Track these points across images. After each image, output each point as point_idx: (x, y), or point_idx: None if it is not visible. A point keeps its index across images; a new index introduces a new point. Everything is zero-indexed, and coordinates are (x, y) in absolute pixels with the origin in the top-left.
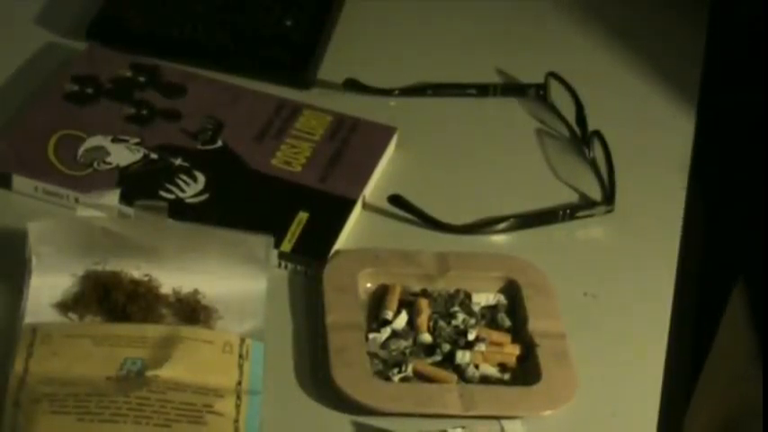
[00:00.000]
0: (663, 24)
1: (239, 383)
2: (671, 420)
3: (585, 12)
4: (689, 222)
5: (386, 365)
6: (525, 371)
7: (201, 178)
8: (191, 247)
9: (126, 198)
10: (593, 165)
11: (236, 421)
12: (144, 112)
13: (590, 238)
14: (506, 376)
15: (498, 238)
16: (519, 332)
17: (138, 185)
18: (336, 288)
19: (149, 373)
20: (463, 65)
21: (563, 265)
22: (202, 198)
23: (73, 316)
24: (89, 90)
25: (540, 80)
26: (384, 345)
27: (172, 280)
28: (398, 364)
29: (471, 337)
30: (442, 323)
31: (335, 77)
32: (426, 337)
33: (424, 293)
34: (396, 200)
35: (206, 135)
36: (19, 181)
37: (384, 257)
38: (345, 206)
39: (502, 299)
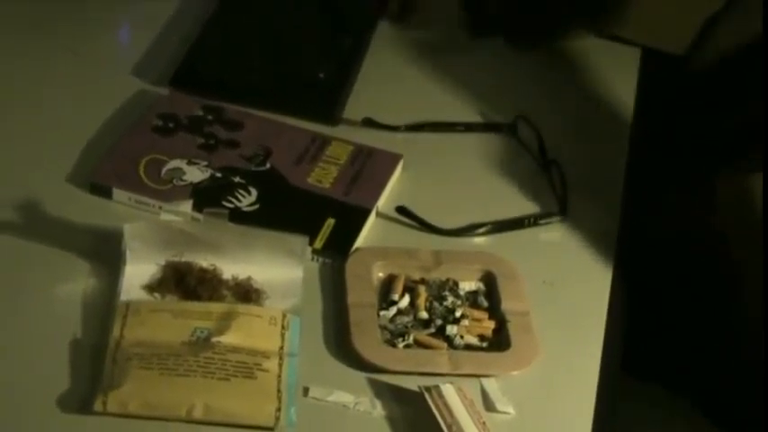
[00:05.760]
0: (602, 75)
1: (281, 348)
2: (609, 372)
3: (549, 68)
4: (624, 225)
5: (393, 335)
6: (499, 340)
7: (254, 192)
8: (246, 244)
9: (197, 206)
10: (551, 185)
11: (279, 376)
12: (211, 141)
13: (548, 239)
14: (484, 344)
15: (479, 240)
16: (494, 311)
17: (206, 197)
18: (355, 276)
19: (214, 339)
20: (454, 107)
21: (528, 259)
22: (255, 207)
23: (156, 295)
24: (170, 125)
25: (512, 120)
26: (391, 320)
27: (231, 269)
28: (402, 335)
29: (458, 314)
30: (435, 304)
31: (356, 116)
32: (424, 314)
33: (423, 281)
34: (402, 210)
35: (258, 159)
36: (117, 193)
37: (392, 253)
38: (363, 214)
39: (481, 285)
